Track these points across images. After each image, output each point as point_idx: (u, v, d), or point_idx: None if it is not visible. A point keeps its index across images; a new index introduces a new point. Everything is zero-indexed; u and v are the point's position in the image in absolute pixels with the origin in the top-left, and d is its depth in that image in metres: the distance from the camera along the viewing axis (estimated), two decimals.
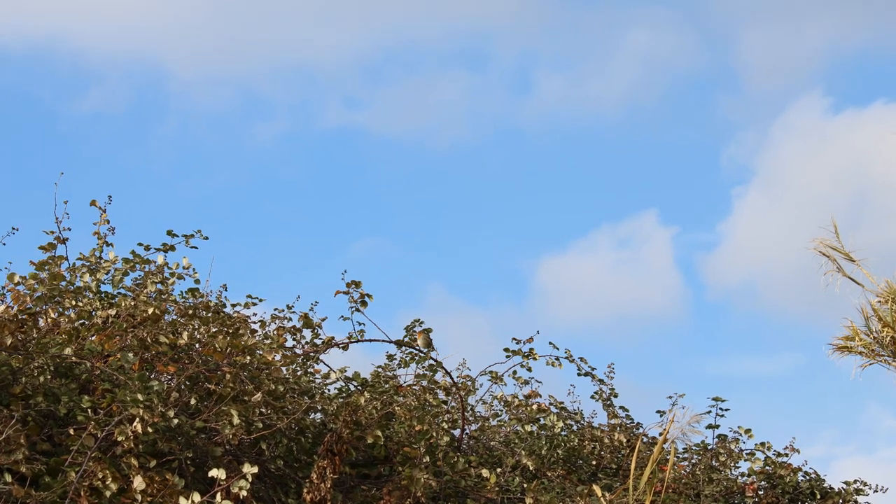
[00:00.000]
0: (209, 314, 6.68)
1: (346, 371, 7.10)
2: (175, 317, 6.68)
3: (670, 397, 7.84)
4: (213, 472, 5.24)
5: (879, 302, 5.11)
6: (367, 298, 7.20)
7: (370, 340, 7.34)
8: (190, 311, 6.62)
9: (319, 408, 6.52)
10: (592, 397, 8.02)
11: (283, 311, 7.58)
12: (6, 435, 5.09)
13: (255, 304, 7.51)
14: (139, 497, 5.19)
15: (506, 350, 7.67)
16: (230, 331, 6.38)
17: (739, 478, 7.67)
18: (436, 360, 7.36)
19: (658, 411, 7.73)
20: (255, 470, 5.23)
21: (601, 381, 8.01)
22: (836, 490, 7.68)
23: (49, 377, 5.67)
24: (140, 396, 5.36)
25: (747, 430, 7.76)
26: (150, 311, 6.23)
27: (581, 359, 7.92)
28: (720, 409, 7.71)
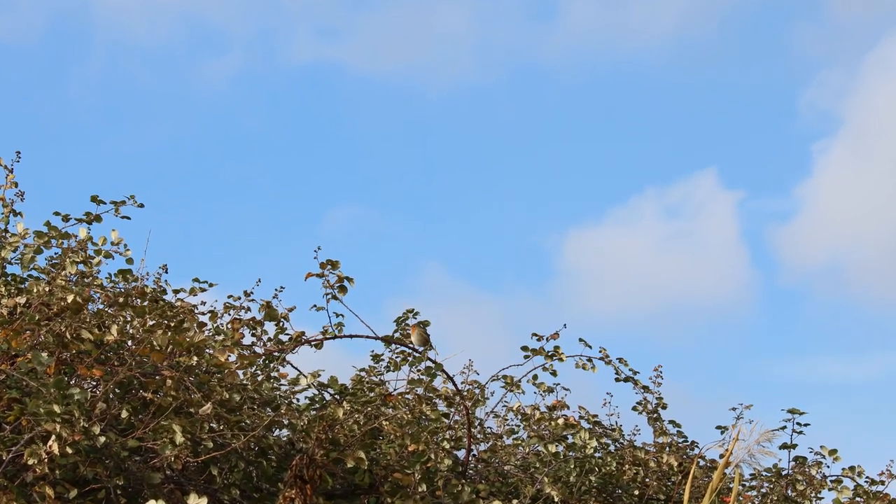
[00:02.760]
0: (145, 303, 6.67)
1: (319, 375, 7.10)
2: (102, 306, 6.68)
3: (734, 409, 7.84)
4: None
5: None
6: (346, 283, 7.19)
7: (350, 336, 7.34)
8: (120, 300, 6.62)
9: (286, 422, 6.53)
10: (634, 409, 8.04)
11: (240, 298, 7.63)
12: None
13: (203, 291, 7.56)
14: None
15: (524, 349, 7.66)
16: (172, 324, 6.38)
17: None
18: (434, 362, 7.35)
19: (719, 427, 7.73)
20: (205, 502, 5.22)
21: (645, 388, 8.01)
22: None
23: None
24: (57, 408, 5.35)
25: (832, 451, 7.76)
26: (70, 298, 6.22)
27: (620, 360, 7.93)
28: (798, 423, 7.71)
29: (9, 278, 6.98)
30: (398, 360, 7.71)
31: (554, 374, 7.71)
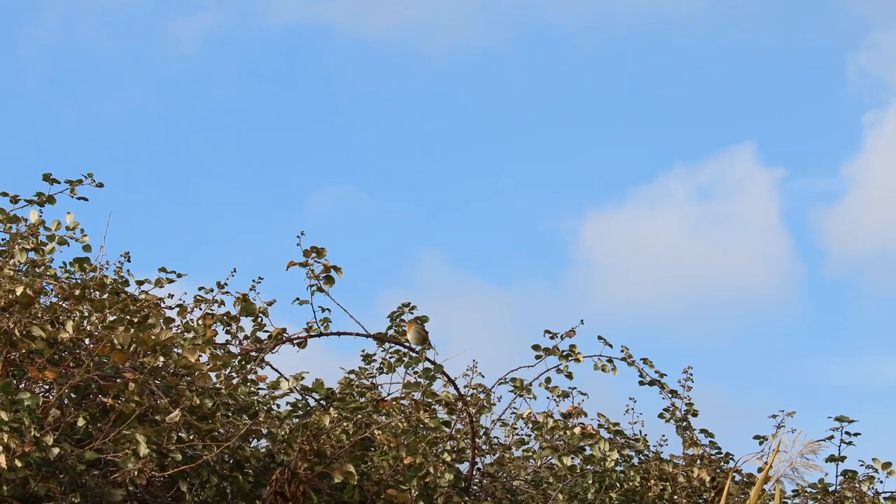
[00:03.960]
0: (104, 296, 6.66)
1: (303, 378, 7.10)
2: (55, 299, 6.68)
3: (774, 416, 7.84)
4: None
5: None
6: (333, 273, 7.18)
7: (338, 334, 7.34)
8: (76, 292, 6.61)
9: (265, 431, 6.54)
10: (661, 416, 8.04)
11: (213, 291, 7.64)
12: None
13: (171, 282, 7.56)
14: None
15: (535, 348, 7.66)
16: (135, 320, 6.37)
17: None
18: (434, 363, 7.34)
19: (757, 437, 7.73)
20: None
21: (674, 392, 8.01)
22: None
23: None
24: (4, 415, 5.34)
25: (886, 465, 7.76)
26: (20, 290, 6.21)
27: (645, 361, 7.93)
28: (846, 433, 7.71)
29: None
30: (392, 360, 7.70)
31: (570, 376, 7.71)
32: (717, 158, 18.33)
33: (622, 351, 7.81)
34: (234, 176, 16.84)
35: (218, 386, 6.62)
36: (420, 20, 18.38)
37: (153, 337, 6.28)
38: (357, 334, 7.34)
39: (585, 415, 7.90)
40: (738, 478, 7.86)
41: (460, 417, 7.27)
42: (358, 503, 6.51)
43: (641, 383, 7.97)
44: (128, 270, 7.53)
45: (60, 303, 6.59)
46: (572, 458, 7.37)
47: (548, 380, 7.77)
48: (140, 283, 7.51)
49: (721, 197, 18.51)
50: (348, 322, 7.28)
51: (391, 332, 7.58)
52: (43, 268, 7.03)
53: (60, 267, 7.22)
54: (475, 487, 7.24)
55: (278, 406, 7.19)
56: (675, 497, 7.55)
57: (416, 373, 7.52)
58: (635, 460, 7.82)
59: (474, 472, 7.17)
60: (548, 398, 7.92)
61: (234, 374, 7.04)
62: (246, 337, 7.44)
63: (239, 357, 7.26)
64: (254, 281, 7.50)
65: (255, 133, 17.09)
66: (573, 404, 7.95)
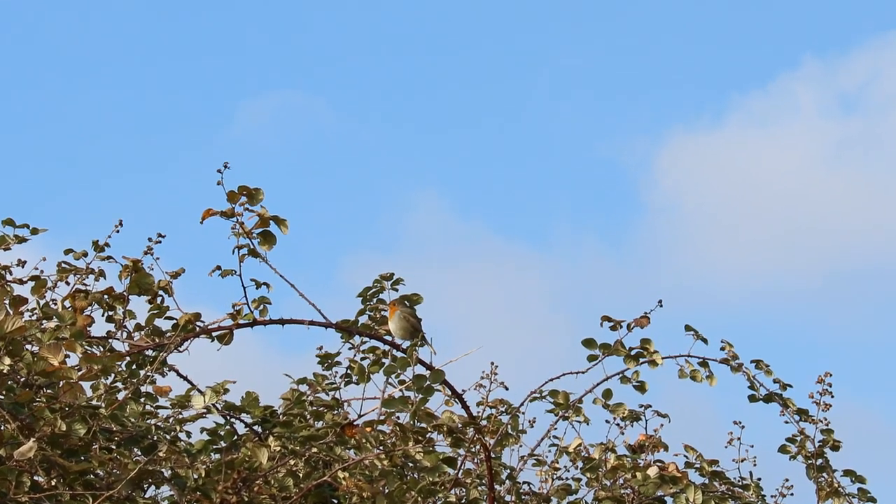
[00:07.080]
0: None
1: (227, 391, 7.05)
2: None
3: None
4: None
5: None
6: (275, 227, 7.17)
7: (281, 322, 7.41)
8: None
9: (167, 473, 6.52)
10: (784, 450, 8.01)
11: (87, 255, 7.65)
12: None
13: (22, 241, 7.64)
14: None
15: (588, 345, 7.64)
16: None
17: None
18: (430, 367, 7.32)
19: None
20: None
21: (803, 414, 7.99)
22: None
23: None
24: None
25: None
26: None
27: (758, 364, 7.95)
28: None
29: None
30: (366, 364, 7.71)
31: (641, 388, 7.70)
32: (866, 51, 18.34)
33: (723, 349, 7.86)
34: (122, 78, 16.80)
35: (95, 403, 6.63)
36: None
37: None
38: (311, 323, 7.45)
39: (666, 448, 7.92)
40: None
41: (471, 452, 7.26)
42: None
43: (753, 399, 8.03)
44: None
45: None
46: None
47: (607, 394, 7.80)
48: None
49: (874, 110, 18.53)
50: (298, 304, 7.34)
51: (364, 318, 7.66)
52: None
53: None
54: None
55: (189, 434, 7.19)
56: None
57: (402, 382, 7.50)
58: None
59: None
60: (607, 422, 8.01)
61: (119, 385, 7.02)
62: (139, 327, 7.51)
63: (128, 358, 7.26)
64: (150, 240, 7.58)
65: (153, 13, 17.06)
66: (646, 431, 7.96)
